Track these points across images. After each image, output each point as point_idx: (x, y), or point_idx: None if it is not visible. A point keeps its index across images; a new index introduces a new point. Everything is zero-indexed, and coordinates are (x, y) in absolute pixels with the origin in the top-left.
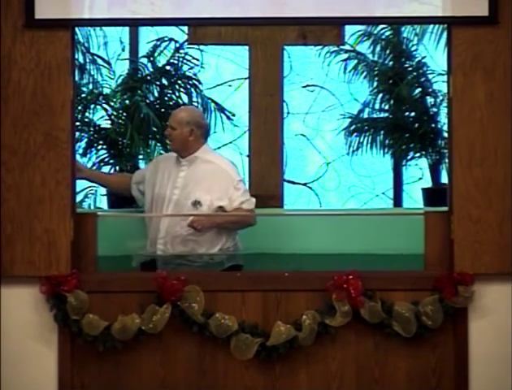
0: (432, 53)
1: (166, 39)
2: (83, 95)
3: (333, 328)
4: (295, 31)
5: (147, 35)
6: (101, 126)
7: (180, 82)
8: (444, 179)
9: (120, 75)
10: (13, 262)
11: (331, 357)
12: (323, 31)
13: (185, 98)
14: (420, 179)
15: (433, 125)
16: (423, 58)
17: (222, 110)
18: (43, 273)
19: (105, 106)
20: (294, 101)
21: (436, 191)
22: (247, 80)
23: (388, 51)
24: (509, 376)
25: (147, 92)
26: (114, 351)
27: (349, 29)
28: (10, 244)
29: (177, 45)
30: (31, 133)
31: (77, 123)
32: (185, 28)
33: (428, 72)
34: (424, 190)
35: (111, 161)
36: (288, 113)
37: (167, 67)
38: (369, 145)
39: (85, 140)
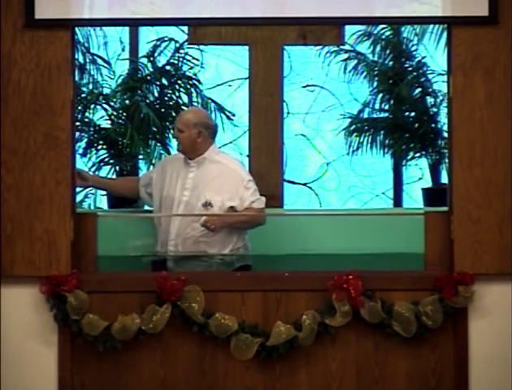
0: (432, 53)
1: (166, 39)
2: (83, 95)
3: (333, 328)
4: (295, 31)
5: (147, 35)
6: (102, 126)
7: (180, 82)
8: (444, 179)
9: (120, 75)
10: (13, 262)
11: (331, 357)
12: (323, 31)
13: (185, 98)
14: (420, 179)
15: (433, 125)
16: (423, 58)
17: (222, 110)
18: (43, 273)
19: (105, 106)
20: (294, 101)
21: (436, 191)
22: (247, 80)
23: (388, 51)
24: (509, 376)
25: (147, 92)
26: (114, 351)
27: (349, 29)
28: (10, 244)
29: (177, 45)
30: (31, 133)
31: (77, 123)
32: (185, 28)
33: (428, 72)
34: (424, 190)
35: (111, 161)
36: (288, 113)
37: (167, 67)
38: (369, 145)
39: (85, 140)
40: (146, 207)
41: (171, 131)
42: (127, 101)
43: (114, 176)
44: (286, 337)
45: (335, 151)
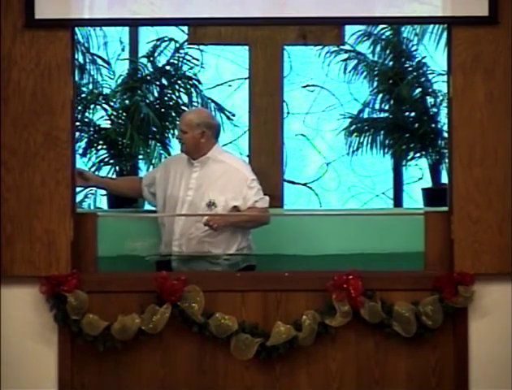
0: (432, 53)
1: (166, 39)
2: (83, 95)
3: (333, 328)
4: (295, 31)
5: (147, 35)
6: (102, 126)
7: (180, 82)
8: (444, 179)
9: (120, 75)
10: (13, 262)
11: (331, 357)
12: (323, 31)
13: (185, 98)
14: (420, 179)
15: (433, 125)
16: (423, 58)
17: (222, 110)
18: (43, 273)
19: (105, 106)
20: (294, 101)
21: (436, 191)
22: (247, 80)
23: (388, 51)
24: (509, 376)
25: (147, 92)
26: (114, 351)
27: (349, 29)
28: (10, 244)
29: (177, 45)
30: (31, 133)
31: (77, 123)
32: (185, 28)
33: (428, 72)
34: (424, 190)
35: (111, 161)
36: (288, 113)
37: (167, 67)
38: (369, 145)
39: (85, 140)
40: (146, 207)
41: (171, 131)
42: (127, 101)
43: (114, 176)
44: (286, 337)
45: (335, 151)
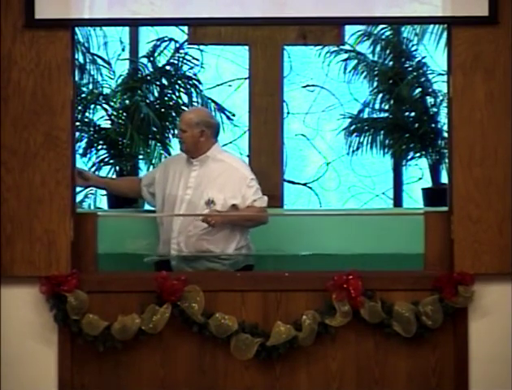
0: (432, 53)
1: (166, 39)
2: (83, 95)
3: (333, 328)
4: (295, 31)
5: (147, 35)
6: (102, 126)
7: (180, 82)
8: (444, 179)
9: (120, 75)
10: (13, 262)
11: (331, 357)
12: (323, 31)
13: (185, 98)
14: (420, 179)
15: (433, 125)
16: (423, 58)
17: (222, 110)
18: (43, 273)
19: (105, 106)
20: (294, 101)
21: (436, 191)
22: (247, 80)
23: (388, 51)
24: (509, 376)
25: (147, 92)
26: (114, 351)
27: (349, 29)
28: (10, 244)
29: (177, 45)
30: (31, 133)
31: (77, 123)
32: (185, 28)
33: (428, 72)
34: (424, 190)
35: (111, 161)
36: (288, 113)
37: (167, 67)
38: (369, 145)
39: (85, 140)
40: (146, 207)
41: (171, 131)
42: (127, 101)
43: (114, 176)
44: (286, 337)
45: (335, 151)
